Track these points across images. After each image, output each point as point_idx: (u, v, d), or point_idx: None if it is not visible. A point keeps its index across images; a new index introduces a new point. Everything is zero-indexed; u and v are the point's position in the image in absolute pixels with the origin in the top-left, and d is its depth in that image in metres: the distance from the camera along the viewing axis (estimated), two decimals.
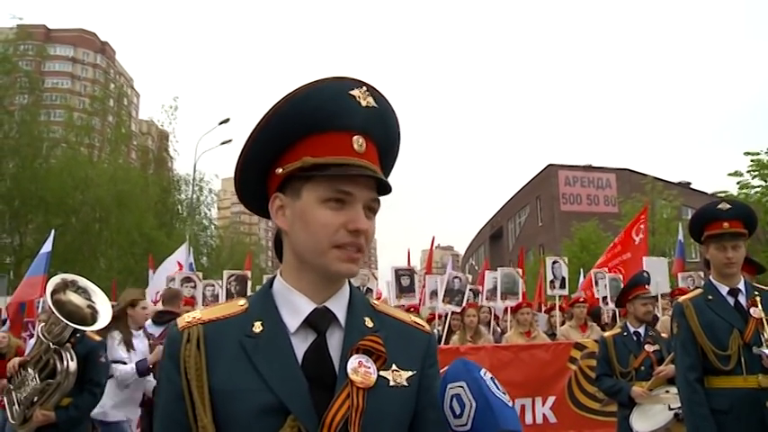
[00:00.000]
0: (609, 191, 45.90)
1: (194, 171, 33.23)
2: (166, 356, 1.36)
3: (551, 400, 7.79)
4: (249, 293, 9.20)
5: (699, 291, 3.83)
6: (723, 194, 22.20)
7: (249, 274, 9.96)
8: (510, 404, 1.07)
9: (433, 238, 12.19)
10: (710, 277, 3.76)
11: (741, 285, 3.64)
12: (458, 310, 8.70)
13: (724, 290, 3.64)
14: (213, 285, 9.80)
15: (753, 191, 19.36)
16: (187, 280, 9.75)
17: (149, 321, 6.50)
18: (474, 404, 1.05)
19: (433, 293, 9.42)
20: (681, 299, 3.80)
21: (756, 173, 18.67)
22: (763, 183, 18.81)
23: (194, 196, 34.41)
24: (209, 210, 38.07)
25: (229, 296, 9.04)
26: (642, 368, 5.13)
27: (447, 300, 9.03)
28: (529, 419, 7.64)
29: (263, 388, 1.28)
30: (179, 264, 11.99)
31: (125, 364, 5.66)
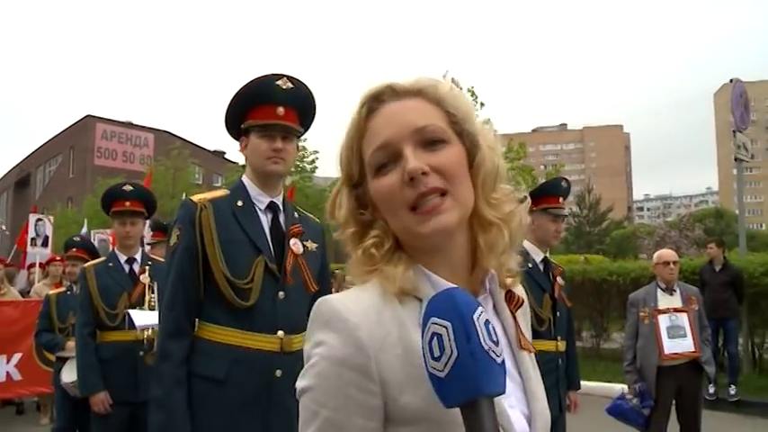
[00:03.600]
0: (146, 150, 46.03)
1: None
2: (187, 222, 2.47)
3: (17, 357, 7.84)
4: None
5: (103, 259, 4.48)
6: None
7: None
8: (500, 359, 0.87)
9: None
10: (115, 248, 4.44)
11: (138, 256, 4.39)
12: None
13: (123, 258, 4.34)
14: None
15: None
16: None
17: None
18: (456, 354, 0.84)
19: None
20: (86, 265, 4.39)
21: None
22: None
23: None
24: None
25: None
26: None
27: None
28: None
29: (247, 239, 2.50)
30: None
31: None
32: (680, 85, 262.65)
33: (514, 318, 1.11)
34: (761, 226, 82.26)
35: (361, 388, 0.93)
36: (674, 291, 5.50)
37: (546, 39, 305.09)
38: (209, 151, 46.24)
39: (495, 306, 1.11)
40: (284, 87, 2.57)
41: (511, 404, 1.02)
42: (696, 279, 8.75)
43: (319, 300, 1.03)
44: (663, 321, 5.31)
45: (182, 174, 28.37)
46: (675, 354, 5.25)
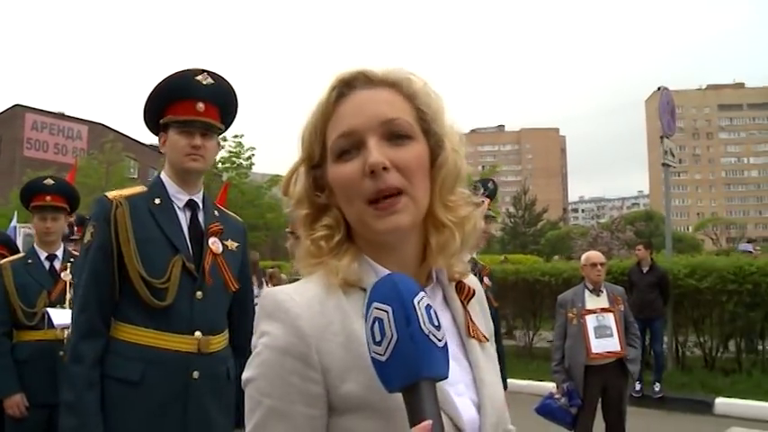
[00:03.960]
0: (80, 143, 44.71)
1: None
2: (102, 220, 2.35)
3: None
4: None
5: (21, 255, 4.29)
6: None
7: None
8: (441, 343, 0.87)
9: None
10: (35, 244, 4.25)
11: (59, 252, 4.21)
12: None
13: (43, 255, 4.16)
14: None
15: None
16: None
17: None
18: (396, 337, 0.84)
19: None
20: (2, 261, 4.20)
21: None
22: None
23: None
24: None
25: None
26: None
27: None
28: None
29: (164, 237, 2.39)
30: None
31: None
32: (615, 91, 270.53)
33: (465, 308, 1.11)
34: (687, 228, 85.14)
35: (303, 376, 0.93)
36: (601, 291, 5.62)
37: (485, 41, 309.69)
38: (145, 145, 45.08)
39: (444, 297, 1.11)
40: (204, 83, 2.51)
41: (459, 392, 1.01)
42: (625, 280, 8.97)
43: (264, 292, 1.05)
44: (590, 321, 5.42)
45: (115, 168, 27.49)
46: (602, 353, 5.36)
